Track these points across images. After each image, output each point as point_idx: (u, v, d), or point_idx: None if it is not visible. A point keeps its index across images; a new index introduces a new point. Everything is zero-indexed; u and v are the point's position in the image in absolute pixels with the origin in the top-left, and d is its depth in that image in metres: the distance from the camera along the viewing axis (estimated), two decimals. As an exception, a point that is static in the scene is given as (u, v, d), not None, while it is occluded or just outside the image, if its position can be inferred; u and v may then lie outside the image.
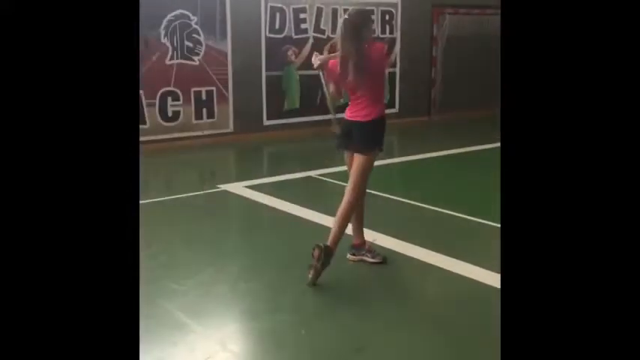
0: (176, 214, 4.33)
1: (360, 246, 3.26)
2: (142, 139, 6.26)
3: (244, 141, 7.16)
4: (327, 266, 2.90)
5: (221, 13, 6.96)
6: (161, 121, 6.76)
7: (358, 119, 3.01)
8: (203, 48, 6.89)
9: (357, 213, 3.21)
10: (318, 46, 7.36)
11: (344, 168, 3.26)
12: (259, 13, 7.24)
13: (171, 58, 6.70)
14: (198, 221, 4.14)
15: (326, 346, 2.41)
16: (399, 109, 8.80)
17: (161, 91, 6.70)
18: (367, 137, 3.00)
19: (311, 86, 7.38)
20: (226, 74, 7.12)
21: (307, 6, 7.55)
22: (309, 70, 7.70)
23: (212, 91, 7.06)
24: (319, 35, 7.66)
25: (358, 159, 3.01)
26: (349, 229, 3.26)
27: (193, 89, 6.92)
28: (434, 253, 3.35)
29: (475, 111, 9.11)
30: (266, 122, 7.56)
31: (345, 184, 3.11)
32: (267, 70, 7.41)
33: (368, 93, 2.98)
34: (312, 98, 7.57)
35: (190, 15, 6.75)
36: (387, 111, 9.45)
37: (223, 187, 4.98)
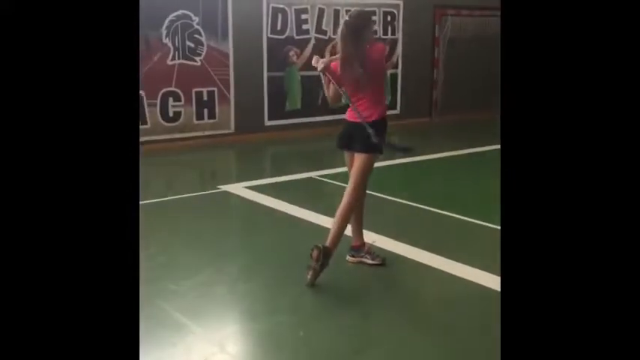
0: (176, 215, 4.33)
1: (360, 247, 3.25)
2: (142, 139, 6.28)
3: (245, 142, 7.16)
4: (326, 267, 2.89)
5: (223, 14, 6.96)
6: (162, 121, 6.76)
7: (358, 120, 3.00)
8: (204, 48, 6.89)
9: (357, 214, 3.21)
10: (320, 47, 7.41)
11: (345, 169, 3.26)
12: (261, 13, 7.25)
13: (173, 59, 6.71)
14: (198, 222, 4.13)
15: (324, 348, 2.40)
16: (401, 110, 8.80)
17: (162, 92, 6.70)
18: (366, 138, 2.99)
19: (312, 87, 7.39)
20: (228, 75, 7.12)
21: (308, 7, 7.55)
22: (310, 70, 7.73)
23: (213, 91, 7.07)
24: (321, 36, 7.66)
25: (359, 160, 3.01)
26: (348, 231, 3.26)
27: (194, 89, 6.92)
28: (434, 255, 3.34)
29: (477, 113, 9.09)
30: (267, 123, 7.56)
31: (345, 185, 3.11)
32: (268, 70, 7.42)
33: (369, 94, 2.98)
34: (313, 99, 7.58)
35: (192, 15, 6.75)
36: (389, 112, 9.45)
37: (224, 187, 4.98)
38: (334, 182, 4.97)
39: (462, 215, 4.13)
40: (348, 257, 3.27)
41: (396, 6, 8.45)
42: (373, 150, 3.00)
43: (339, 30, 3.00)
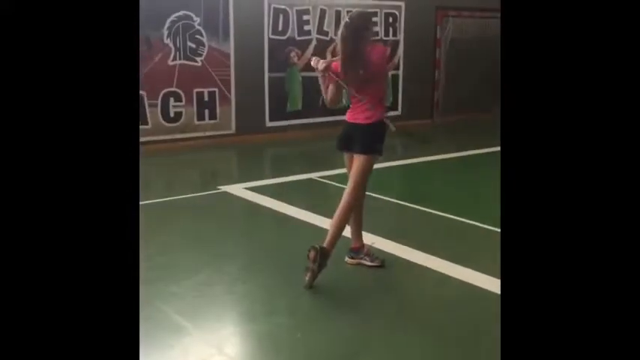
0: (175, 215, 4.32)
1: (359, 249, 3.25)
2: (143, 139, 6.28)
3: (246, 142, 7.16)
4: (324, 268, 2.89)
5: (224, 15, 6.96)
6: (163, 121, 6.76)
7: (359, 121, 3.00)
8: (206, 49, 6.89)
9: (356, 216, 3.20)
10: (321, 48, 7.41)
11: (345, 170, 3.25)
12: (262, 14, 7.25)
13: (174, 59, 6.71)
14: (198, 222, 4.13)
15: (322, 350, 2.39)
16: (402, 111, 8.78)
17: (163, 92, 6.71)
18: (367, 139, 2.98)
19: (313, 88, 7.38)
20: (229, 75, 7.12)
21: (310, 7, 7.55)
22: (311, 72, 7.69)
23: (214, 92, 7.07)
24: (322, 37, 7.66)
25: (358, 161, 3.01)
26: (348, 232, 3.25)
27: (195, 90, 6.92)
28: (433, 257, 3.33)
29: (478, 114, 9.08)
30: (268, 124, 7.56)
31: (345, 186, 3.10)
32: (269, 71, 7.41)
33: (369, 95, 2.97)
34: (314, 100, 7.56)
35: (193, 16, 6.76)
36: (390, 113, 9.42)
37: (224, 188, 4.98)
38: (334, 183, 4.96)
39: (463, 217, 4.12)
40: (346, 259, 3.26)
41: (398, 7, 8.44)
42: (372, 151, 3.00)
43: (340, 31, 3.00)
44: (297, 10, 7.50)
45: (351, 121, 3.04)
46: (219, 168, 6.53)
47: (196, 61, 6.86)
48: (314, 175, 5.45)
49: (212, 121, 7.11)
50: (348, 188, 3.03)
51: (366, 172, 3.02)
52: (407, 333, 2.55)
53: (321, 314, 2.75)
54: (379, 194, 4.55)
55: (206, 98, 7.02)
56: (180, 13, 6.66)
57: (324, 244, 2.92)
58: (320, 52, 6.93)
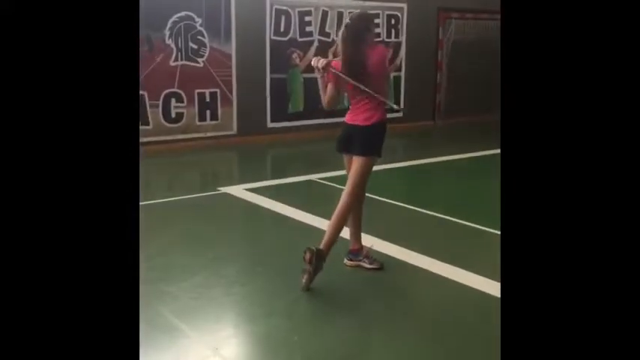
0: (175, 216, 4.31)
1: (358, 251, 3.22)
2: (144, 140, 6.28)
3: (247, 143, 7.15)
4: (321, 270, 2.87)
5: (226, 15, 6.96)
6: (164, 122, 6.76)
7: (358, 123, 2.98)
8: (207, 50, 6.89)
9: (356, 218, 3.18)
10: (323, 49, 7.39)
11: (345, 172, 3.23)
12: (264, 15, 7.24)
13: (176, 60, 6.71)
14: (198, 223, 4.11)
15: (319, 353, 2.37)
16: (404, 113, 8.76)
17: (165, 93, 6.71)
18: (367, 141, 2.96)
19: (315, 89, 7.36)
20: (230, 76, 7.12)
21: (312, 9, 7.54)
22: (313, 73, 7.67)
23: (216, 92, 7.06)
24: (324, 38, 7.65)
25: (357, 162, 2.99)
26: (347, 234, 3.23)
27: (197, 91, 6.92)
28: (433, 260, 3.31)
29: (480, 116, 9.05)
30: (269, 125, 7.54)
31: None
32: (271, 72, 7.40)
33: (369, 97, 2.95)
34: (316, 101, 7.54)
35: (195, 17, 6.76)
36: (392, 115, 9.43)
37: (224, 189, 4.96)
38: (335, 185, 4.94)
39: (463, 220, 4.09)
40: (345, 261, 3.24)
41: (400, 9, 8.43)
42: (371, 153, 2.98)
43: (340, 32, 2.98)
44: (299, 12, 7.49)
45: (350, 122, 3.02)
46: (220, 169, 6.52)
47: (198, 62, 6.86)
48: (314, 177, 5.42)
49: (213, 122, 7.10)
50: (346, 189, 3.01)
51: (365, 174, 3.00)
52: (405, 336, 2.52)
53: (319, 316, 2.72)
54: (379, 196, 4.52)
55: (207, 99, 7.02)
56: (182, 13, 6.66)
57: (321, 246, 2.90)
58: (322, 54, 6.92)
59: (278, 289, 2.95)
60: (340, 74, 2.90)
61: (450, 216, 4.18)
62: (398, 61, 8.57)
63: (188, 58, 6.78)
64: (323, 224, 3.68)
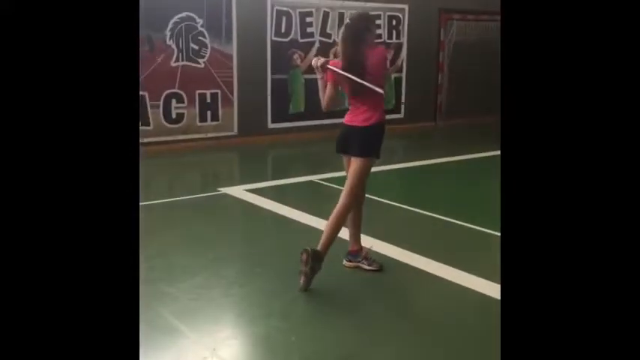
0: (174, 217, 4.31)
1: (357, 252, 3.21)
2: (145, 140, 6.28)
3: (248, 144, 7.14)
4: (318, 271, 2.86)
5: (227, 16, 6.96)
6: (165, 122, 6.76)
7: (356, 124, 2.97)
8: (208, 50, 6.89)
9: (355, 219, 3.17)
10: (324, 50, 7.39)
11: (345, 173, 3.22)
12: (265, 16, 7.24)
13: (177, 60, 6.71)
14: (197, 224, 4.11)
15: (317, 354, 2.37)
16: (405, 114, 8.76)
17: (165, 93, 6.70)
18: (365, 142, 2.96)
19: (316, 90, 7.35)
20: (231, 77, 7.12)
21: (313, 10, 7.53)
22: (314, 73, 7.66)
23: (217, 93, 7.06)
24: (325, 39, 7.64)
25: (355, 163, 2.98)
26: (346, 235, 3.22)
27: (198, 91, 6.92)
28: (433, 261, 3.30)
29: (482, 117, 9.04)
30: (270, 125, 7.54)
31: (346, 189, 3.07)
32: (272, 73, 7.40)
33: (367, 98, 2.94)
34: (317, 102, 7.53)
35: (196, 17, 6.76)
36: (393, 116, 9.41)
37: (224, 190, 4.96)
38: (335, 186, 4.93)
39: (463, 221, 4.08)
40: (344, 262, 3.23)
41: (401, 10, 8.42)
42: (370, 154, 2.97)
43: (340, 32, 2.98)
44: (300, 12, 7.49)
45: (349, 123, 3.01)
46: (221, 169, 6.52)
47: (199, 63, 6.86)
48: (315, 178, 5.42)
49: (214, 123, 7.10)
50: (344, 190, 3.01)
51: (363, 175, 2.99)
52: (404, 337, 2.51)
53: (318, 317, 2.71)
54: (379, 197, 4.51)
55: (208, 100, 7.01)
56: (183, 14, 6.66)
57: (318, 247, 2.89)
58: (323, 55, 6.92)
59: (277, 289, 2.95)
60: (337, 70, 2.89)
61: (450, 217, 4.17)
62: (399, 62, 8.56)
63: (189, 59, 6.78)
64: (323, 225, 3.66)
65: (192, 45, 6.77)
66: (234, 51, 7.06)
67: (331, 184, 5.08)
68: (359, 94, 2.93)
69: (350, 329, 2.58)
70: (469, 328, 2.59)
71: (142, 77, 6.30)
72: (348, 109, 3.08)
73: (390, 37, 8.38)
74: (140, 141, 4.90)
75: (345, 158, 3.10)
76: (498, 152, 6.24)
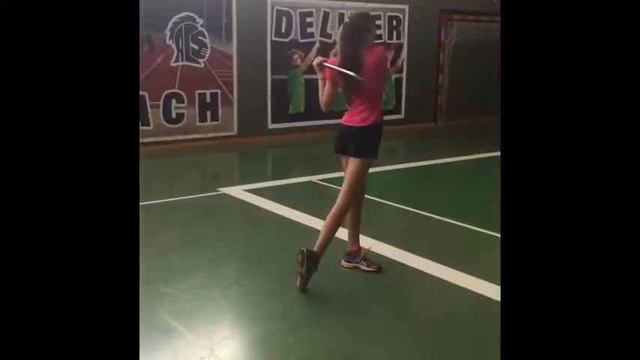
0: (174, 217, 4.30)
1: (356, 253, 3.21)
2: (145, 140, 6.28)
3: (248, 144, 7.14)
4: (315, 271, 2.85)
5: (227, 16, 6.95)
6: (165, 122, 6.75)
7: (354, 124, 2.97)
8: (208, 50, 6.89)
9: (354, 219, 3.16)
10: (325, 50, 7.39)
11: (343, 173, 3.21)
12: (265, 16, 7.24)
13: (176, 60, 6.70)
14: (196, 224, 4.10)
15: (315, 354, 2.36)
16: (405, 114, 8.75)
17: (165, 93, 6.70)
18: (362, 142, 2.95)
19: (316, 90, 7.35)
20: (231, 77, 7.11)
21: (313, 10, 7.53)
22: (314, 74, 7.67)
23: (217, 93, 7.06)
24: (325, 39, 7.64)
25: (353, 163, 2.98)
26: (345, 235, 3.22)
27: (198, 91, 6.91)
28: (432, 262, 3.29)
29: (482, 118, 9.04)
30: (270, 126, 7.54)
31: (344, 189, 3.06)
32: (272, 73, 7.40)
33: (366, 98, 2.93)
34: (317, 102, 7.53)
35: (196, 17, 6.75)
36: (393, 117, 9.39)
37: (224, 190, 4.95)
38: (335, 186, 4.91)
39: (463, 222, 4.07)
40: (343, 262, 3.22)
41: (402, 10, 8.42)
42: (367, 154, 2.96)
43: (339, 31, 2.97)
44: (300, 13, 7.49)
45: (347, 123, 3.00)
46: (220, 170, 6.52)
47: (199, 63, 6.85)
48: (314, 178, 5.41)
49: (214, 123, 7.10)
50: (342, 191, 3.00)
51: (361, 175, 2.99)
52: (401, 338, 2.51)
53: (316, 318, 2.71)
54: (379, 198, 4.51)
55: (208, 100, 7.01)
56: (183, 14, 6.66)
57: (315, 247, 2.88)
58: (323, 55, 6.91)
59: (276, 290, 2.94)
60: (332, 66, 2.88)
61: (450, 218, 4.16)
62: (399, 63, 8.56)
63: (189, 59, 6.78)
64: (322, 225, 3.67)
65: (192, 45, 6.77)
66: (234, 51, 7.05)
67: (331, 185, 5.07)
68: (353, 90, 2.91)
69: (348, 330, 2.57)
70: (467, 329, 2.58)
71: (141, 77, 6.29)
72: (346, 109, 3.07)
73: (390, 37, 8.38)
74: (140, 141, 4.89)
75: (343, 158, 3.09)
76: (498, 153, 6.26)
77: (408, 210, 4.45)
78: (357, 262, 3.19)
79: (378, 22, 8.01)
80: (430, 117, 9.10)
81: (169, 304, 2.77)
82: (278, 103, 7.50)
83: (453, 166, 6.31)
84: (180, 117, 6.84)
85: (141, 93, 6.39)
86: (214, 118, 7.09)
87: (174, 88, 6.74)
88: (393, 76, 8.51)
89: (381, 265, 3.20)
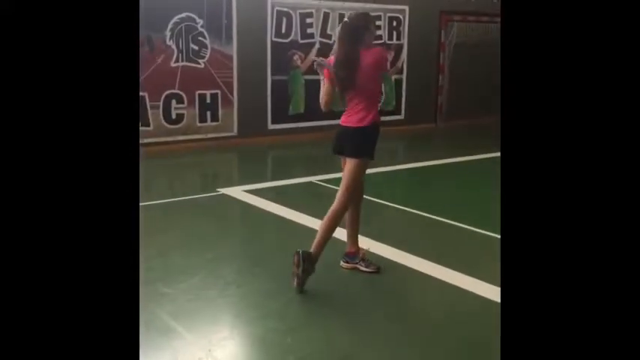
0: (173, 217, 4.30)
1: (354, 254, 3.20)
2: (145, 141, 6.28)
3: (248, 145, 7.14)
4: (312, 273, 2.85)
5: (227, 17, 6.95)
6: (165, 123, 6.75)
7: (350, 124, 2.96)
8: (208, 51, 6.89)
9: (353, 220, 3.16)
10: (325, 51, 7.39)
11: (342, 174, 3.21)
12: (265, 17, 7.24)
13: (177, 61, 6.70)
14: (196, 224, 4.10)
15: (313, 355, 2.36)
16: (405, 115, 8.75)
17: (165, 94, 6.70)
18: (358, 142, 2.94)
19: (316, 91, 7.35)
20: (231, 77, 7.11)
21: (313, 11, 7.53)
22: (314, 75, 7.69)
23: (217, 94, 7.05)
24: (326, 40, 7.64)
25: (349, 164, 2.98)
26: (344, 236, 3.21)
27: (198, 92, 6.91)
28: (432, 263, 3.29)
29: (482, 119, 9.04)
30: (270, 126, 7.54)
31: (343, 190, 3.06)
32: (272, 74, 7.40)
33: (363, 98, 2.92)
34: (317, 103, 7.54)
35: (196, 18, 6.75)
36: (393, 117, 9.39)
37: (223, 190, 4.95)
38: (334, 187, 4.90)
39: (463, 223, 4.07)
40: (342, 263, 3.22)
41: (402, 11, 8.42)
42: (363, 154, 2.95)
43: (338, 30, 2.96)
44: (300, 13, 7.49)
45: (344, 124, 3.00)
46: (220, 170, 6.51)
47: (199, 63, 6.85)
48: (314, 179, 5.41)
49: (214, 123, 7.09)
50: (339, 191, 3.00)
51: (358, 175, 2.98)
52: (400, 340, 2.50)
53: (314, 319, 2.70)
54: (378, 198, 4.51)
55: (208, 100, 7.01)
56: (183, 14, 6.66)
57: (312, 248, 2.87)
58: (323, 55, 6.92)
59: (274, 290, 2.94)
60: (325, 63, 2.88)
61: (450, 219, 4.16)
62: (400, 64, 8.56)
63: (189, 59, 6.78)
64: (319, 225, 3.66)
65: (192, 45, 6.76)
66: (234, 51, 7.05)
67: (331, 185, 5.06)
68: (348, 90, 2.90)
69: (347, 331, 2.56)
70: (467, 331, 2.57)
71: (141, 78, 6.29)
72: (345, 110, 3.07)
73: (390, 38, 8.38)
74: (140, 141, 4.90)
75: (342, 159, 3.09)
76: (498, 154, 6.25)
77: (408, 211, 4.45)
78: (356, 263, 3.19)
79: (378, 23, 8.00)
80: (430, 118, 9.10)
81: (168, 304, 2.77)
82: (278, 103, 7.50)
83: (453, 166, 6.31)
84: (180, 117, 6.84)
85: (141, 93, 6.38)
86: (214, 118, 7.09)
87: (174, 88, 6.73)
88: (393, 77, 8.50)
89: (380, 266, 3.19)
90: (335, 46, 3.05)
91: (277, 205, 4.48)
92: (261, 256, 3.45)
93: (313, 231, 3.69)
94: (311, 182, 5.35)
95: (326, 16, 7.67)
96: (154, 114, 6.64)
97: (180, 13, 6.63)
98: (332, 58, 3.01)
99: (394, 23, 8.39)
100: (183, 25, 6.68)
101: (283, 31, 7.39)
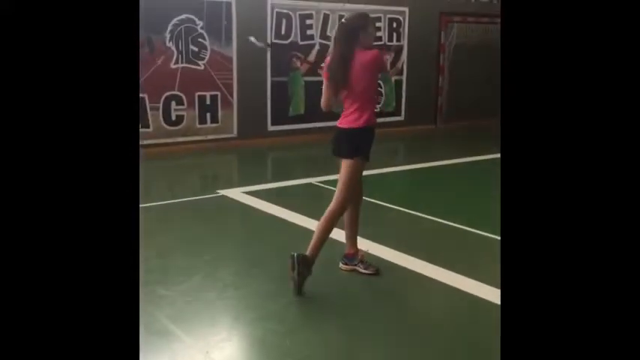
0: (172, 219, 4.29)
1: (353, 256, 3.19)
2: (144, 142, 6.28)
3: (248, 146, 7.14)
4: (309, 275, 2.84)
5: (227, 18, 6.96)
6: (164, 124, 6.75)
7: (345, 125, 2.96)
8: (208, 52, 6.89)
9: (352, 221, 3.15)
10: (324, 52, 7.39)
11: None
12: (265, 18, 7.24)
13: (176, 62, 6.70)
14: (195, 226, 4.10)
15: (311, 357, 2.35)
16: (405, 116, 8.76)
17: (165, 95, 6.70)
18: (353, 143, 2.94)
19: (316, 92, 7.35)
20: (231, 79, 7.11)
21: (313, 12, 7.53)
22: (314, 76, 7.73)
23: (216, 95, 7.05)
24: (325, 42, 7.64)
25: (344, 165, 2.97)
26: (342, 237, 3.21)
27: (198, 93, 6.91)
28: (431, 265, 3.28)
29: (482, 120, 9.04)
30: (270, 128, 7.53)
31: (343, 191, 3.05)
32: (272, 75, 7.40)
33: (356, 98, 2.91)
34: (317, 104, 7.53)
35: (196, 19, 6.75)
36: (393, 119, 9.40)
37: (222, 192, 4.95)
38: (334, 188, 4.91)
39: (463, 225, 4.06)
40: (340, 265, 3.21)
41: (402, 12, 8.43)
42: (357, 155, 2.94)
43: (335, 30, 2.96)
44: (300, 15, 7.49)
45: (340, 125, 3.00)
46: (220, 172, 6.51)
47: (199, 65, 6.85)
48: (314, 180, 5.41)
49: (214, 125, 7.09)
50: (335, 193, 2.99)
51: (353, 176, 2.97)
52: (399, 341, 2.49)
53: (313, 321, 2.70)
54: (377, 199, 4.50)
55: (208, 102, 7.01)
56: (183, 16, 6.66)
57: (307, 250, 2.87)
58: (322, 57, 6.93)
59: (273, 292, 2.93)
60: (322, 63, 2.89)
61: (449, 220, 4.15)
62: (399, 65, 8.56)
63: (189, 61, 6.78)
64: (315, 227, 3.66)
65: (192, 47, 6.77)
66: (234, 53, 7.06)
67: (330, 187, 5.05)
68: (341, 88, 2.89)
69: (346, 332, 2.56)
70: (466, 332, 2.56)
71: (141, 79, 6.30)
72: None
73: (390, 39, 8.38)
74: (140, 143, 4.90)
75: (339, 161, 3.08)
76: (498, 155, 6.22)
77: (407, 212, 4.45)
78: (355, 265, 3.18)
79: (378, 24, 8.01)
80: (430, 119, 9.10)
81: (167, 306, 2.76)
82: (278, 105, 7.50)
83: (453, 167, 6.31)
84: (180, 119, 6.84)
85: (141, 95, 6.38)
86: (214, 120, 7.09)
87: (174, 90, 6.74)
88: (393, 78, 8.50)
89: (379, 268, 3.19)
90: (331, 47, 3.05)
91: (277, 206, 4.48)
92: (260, 258, 3.45)
93: (312, 233, 3.69)
94: (311, 184, 5.35)
95: (326, 17, 7.67)
96: (153, 115, 6.64)
97: (180, 14, 6.64)
98: (328, 58, 3.01)
99: (394, 24, 8.39)
100: (183, 26, 6.68)
101: (283, 32, 7.39)
